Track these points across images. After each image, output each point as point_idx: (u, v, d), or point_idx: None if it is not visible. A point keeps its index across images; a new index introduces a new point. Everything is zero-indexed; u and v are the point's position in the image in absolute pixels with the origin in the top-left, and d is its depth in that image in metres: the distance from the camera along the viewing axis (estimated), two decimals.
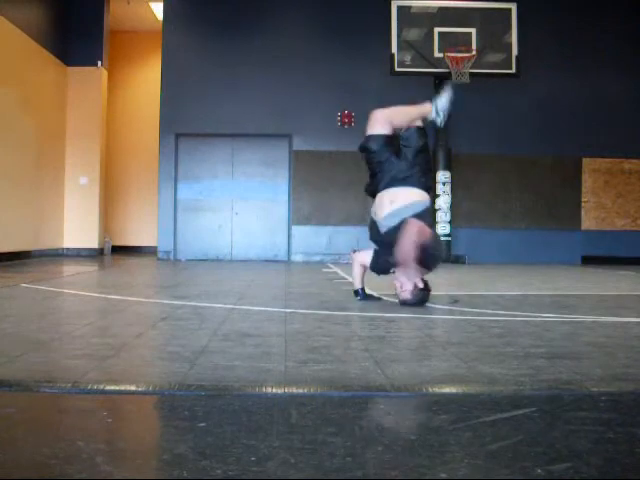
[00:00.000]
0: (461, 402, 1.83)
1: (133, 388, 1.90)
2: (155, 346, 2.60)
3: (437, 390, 1.92)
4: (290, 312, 3.71)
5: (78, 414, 1.68)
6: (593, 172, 11.09)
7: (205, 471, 1.24)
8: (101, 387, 1.88)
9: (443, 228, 10.35)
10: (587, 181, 11.09)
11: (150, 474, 1.24)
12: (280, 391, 1.86)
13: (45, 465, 1.27)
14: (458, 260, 10.59)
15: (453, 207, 10.45)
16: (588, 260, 10.88)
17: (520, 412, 1.71)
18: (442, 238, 10.36)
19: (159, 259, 10.70)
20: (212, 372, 2.07)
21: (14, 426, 1.54)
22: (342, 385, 1.92)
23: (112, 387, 1.89)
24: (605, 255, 10.91)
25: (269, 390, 1.86)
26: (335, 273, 7.48)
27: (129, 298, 4.37)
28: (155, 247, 11.24)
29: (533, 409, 1.73)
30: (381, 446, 1.41)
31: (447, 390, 1.93)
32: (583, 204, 11.09)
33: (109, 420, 1.64)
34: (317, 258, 10.68)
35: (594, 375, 2.12)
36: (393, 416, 1.65)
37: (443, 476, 1.25)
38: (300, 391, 1.87)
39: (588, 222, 11.11)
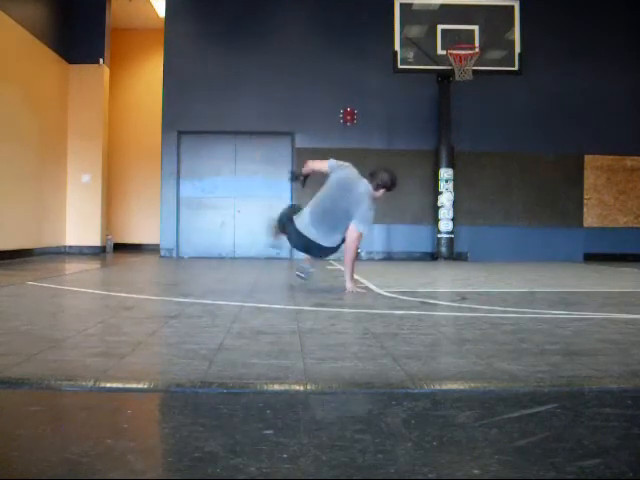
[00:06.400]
0: (483, 399, 1.83)
1: (155, 386, 1.90)
2: (171, 344, 2.60)
3: (458, 387, 1.92)
4: (300, 309, 3.72)
5: (103, 412, 1.68)
6: (595, 169, 11.09)
7: (238, 469, 1.24)
8: (123, 385, 1.88)
9: (446, 225, 10.35)
10: (589, 178, 11.09)
11: (184, 472, 1.25)
12: (302, 388, 1.87)
13: (77, 463, 1.27)
14: (460, 257, 10.60)
15: (456, 204, 10.45)
16: (590, 257, 10.88)
17: (543, 408, 1.71)
18: (445, 235, 10.38)
19: (162, 257, 10.70)
20: (232, 369, 2.07)
21: (41, 424, 1.54)
22: (364, 382, 1.93)
23: (133, 385, 1.89)
24: (607, 252, 10.92)
25: (291, 387, 1.87)
26: (339, 270, 7.48)
27: (136, 296, 4.37)
28: (157, 245, 11.23)
29: (555, 405, 1.74)
30: (410, 442, 1.41)
31: (468, 386, 1.94)
32: (585, 201, 11.10)
33: (134, 418, 1.64)
34: None
35: (612, 372, 2.13)
36: (418, 413, 1.65)
37: (476, 472, 1.25)
38: (322, 388, 1.87)
39: (590, 219, 11.11)
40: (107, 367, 2.08)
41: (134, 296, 4.35)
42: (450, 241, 10.39)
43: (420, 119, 10.76)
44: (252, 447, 1.36)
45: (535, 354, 2.40)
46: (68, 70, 11.00)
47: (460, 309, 3.92)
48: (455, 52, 9.72)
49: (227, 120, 10.77)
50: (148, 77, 13.59)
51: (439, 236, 10.43)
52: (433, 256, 10.67)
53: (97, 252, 11.06)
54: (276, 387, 1.87)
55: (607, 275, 7.51)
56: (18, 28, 9.20)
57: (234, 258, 10.81)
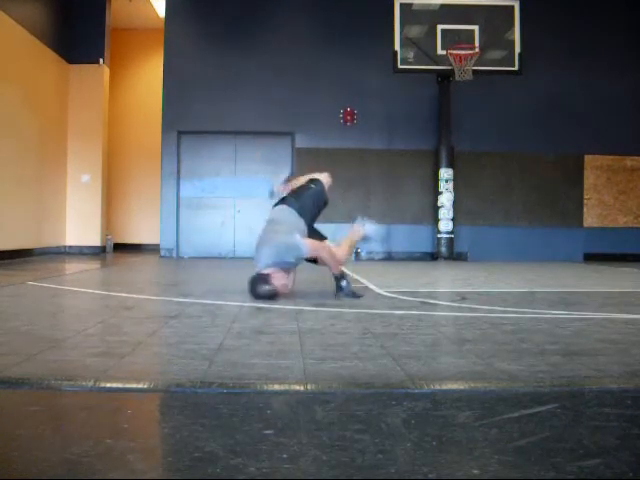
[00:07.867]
0: (483, 399, 1.83)
1: (155, 386, 1.90)
2: (171, 344, 2.60)
3: (458, 387, 1.92)
4: (300, 309, 3.72)
5: (103, 412, 1.68)
6: (595, 169, 11.09)
7: (238, 469, 1.24)
8: (123, 385, 1.88)
9: (446, 225, 10.35)
10: (589, 178, 11.09)
11: (184, 472, 1.25)
12: (302, 388, 1.87)
13: (77, 463, 1.27)
14: (460, 257, 10.60)
15: (456, 204, 10.45)
16: (590, 257, 10.88)
17: (543, 408, 1.71)
18: (445, 235, 10.38)
19: (162, 257, 10.70)
20: (232, 369, 2.07)
21: (41, 424, 1.54)
22: (364, 382, 1.93)
23: (133, 385, 1.89)
24: (607, 252, 10.92)
25: (291, 387, 1.87)
26: None
27: (136, 296, 4.37)
28: (157, 245, 11.23)
29: (555, 405, 1.74)
30: (410, 442, 1.41)
31: (468, 386, 1.94)
32: (585, 201, 11.10)
33: (134, 418, 1.64)
34: None
35: (612, 372, 2.13)
36: (417, 413, 1.65)
37: (476, 472, 1.25)
38: (322, 388, 1.87)
39: (590, 219, 11.11)
40: (107, 367, 2.08)
41: (134, 296, 4.35)
42: (450, 241, 10.39)
43: (420, 119, 10.75)
44: (252, 447, 1.37)
45: (535, 354, 2.40)
46: (68, 70, 11.00)
47: (460, 309, 3.92)
48: (455, 52, 9.71)
49: (227, 120, 10.77)
50: (148, 77, 13.59)
51: (439, 236, 10.43)
52: (433, 256, 10.67)
53: (97, 252, 11.06)
54: (276, 387, 1.87)
55: (607, 275, 7.51)
56: (18, 28, 9.20)
57: (234, 258, 10.80)
